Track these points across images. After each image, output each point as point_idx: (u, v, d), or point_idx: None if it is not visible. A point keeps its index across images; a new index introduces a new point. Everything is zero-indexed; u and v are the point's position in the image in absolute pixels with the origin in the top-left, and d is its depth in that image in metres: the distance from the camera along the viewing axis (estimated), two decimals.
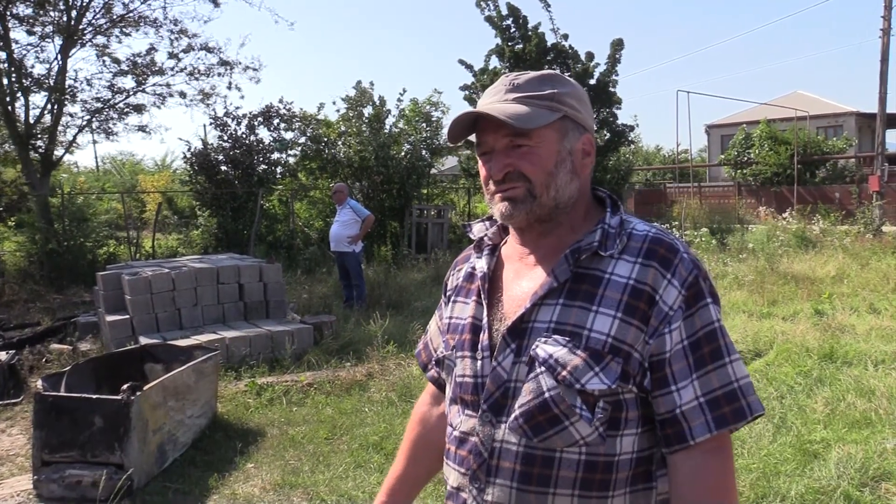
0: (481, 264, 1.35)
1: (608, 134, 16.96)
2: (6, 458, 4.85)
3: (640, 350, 1.17)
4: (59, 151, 15.77)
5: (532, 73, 1.30)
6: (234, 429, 5.21)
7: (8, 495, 4.15)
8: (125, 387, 4.13)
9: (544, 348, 1.18)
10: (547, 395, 1.16)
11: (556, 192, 1.25)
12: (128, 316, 7.24)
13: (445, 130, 1.36)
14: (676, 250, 1.20)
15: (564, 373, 1.15)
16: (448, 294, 1.45)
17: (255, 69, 16.99)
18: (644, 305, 1.17)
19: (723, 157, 29.11)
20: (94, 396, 4.26)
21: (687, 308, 1.17)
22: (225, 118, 15.34)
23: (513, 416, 1.20)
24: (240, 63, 16.92)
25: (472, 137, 1.31)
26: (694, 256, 1.22)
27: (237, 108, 15.41)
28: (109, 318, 7.28)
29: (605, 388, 1.15)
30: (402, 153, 16.47)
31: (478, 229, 1.41)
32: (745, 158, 26.12)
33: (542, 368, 1.17)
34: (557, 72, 1.34)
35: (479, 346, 1.27)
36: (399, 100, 16.64)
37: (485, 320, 1.28)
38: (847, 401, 4.88)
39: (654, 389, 1.18)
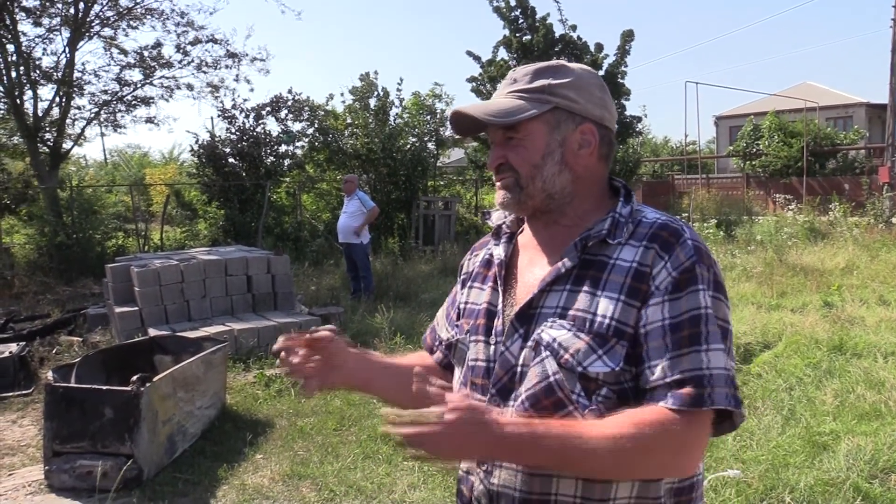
0: (499, 251, 1.38)
1: (616, 125, 16.90)
2: (17, 449, 4.89)
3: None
4: (67, 144, 15.83)
5: (532, 66, 1.32)
6: (243, 420, 5.23)
7: (20, 485, 4.19)
8: (135, 378, 4.16)
9: (549, 332, 1.20)
10: (552, 378, 1.18)
11: (543, 184, 1.27)
12: (137, 308, 7.27)
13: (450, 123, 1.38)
14: (680, 235, 1.20)
15: (567, 356, 1.17)
16: (463, 278, 1.47)
17: (262, 60, 16.99)
18: (644, 287, 1.18)
19: (731, 148, 28.94)
20: (105, 387, 4.28)
21: (674, 290, 1.16)
22: (233, 110, 15.36)
23: (519, 400, 1.21)
24: (247, 55, 16.92)
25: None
26: (699, 244, 1.21)
27: (245, 100, 15.37)
28: (119, 309, 7.31)
29: (609, 370, 1.15)
30: (408, 145, 16.45)
31: (496, 217, 1.44)
32: (754, 150, 25.96)
33: (547, 353, 1.19)
34: (562, 62, 1.34)
35: (494, 332, 1.29)
36: (398, 89, 16.55)
37: (500, 306, 1.31)
38: (856, 393, 4.86)
39: (636, 365, 1.18)
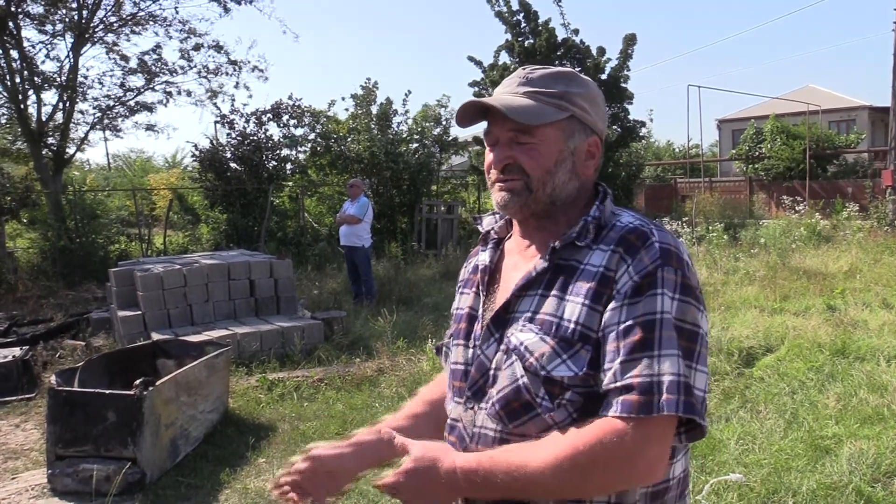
0: (484, 257, 1.40)
1: (619, 129, 16.91)
2: (21, 453, 4.90)
3: None
4: (70, 149, 15.85)
5: (548, 69, 1.31)
6: (246, 424, 5.24)
7: (23, 489, 4.20)
8: (138, 382, 4.17)
9: (517, 336, 1.22)
10: (520, 381, 1.20)
11: (552, 190, 1.27)
12: (140, 312, 7.29)
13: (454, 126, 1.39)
14: (647, 238, 1.19)
15: (532, 360, 1.18)
16: (459, 286, 1.50)
17: (261, 70, 17.04)
18: (608, 291, 1.18)
19: (734, 151, 28.94)
20: (108, 391, 4.29)
21: (634, 294, 1.15)
22: (232, 115, 15.41)
23: (491, 402, 1.23)
24: (248, 62, 16.97)
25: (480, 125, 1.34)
26: (669, 246, 1.19)
27: (244, 104, 15.46)
28: (122, 313, 7.33)
29: (573, 374, 1.16)
30: (411, 151, 16.49)
31: (487, 222, 1.45)
32: (757, 153, 25.96)
33: (515, 356, 1.21)
34: (575, 70, 1.35)
35: (473, 336, 1.32)
36: (405, 101, 16.64)
37: (480, 310, 1.33)
38: (859, 396, 4.85)
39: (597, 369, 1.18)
